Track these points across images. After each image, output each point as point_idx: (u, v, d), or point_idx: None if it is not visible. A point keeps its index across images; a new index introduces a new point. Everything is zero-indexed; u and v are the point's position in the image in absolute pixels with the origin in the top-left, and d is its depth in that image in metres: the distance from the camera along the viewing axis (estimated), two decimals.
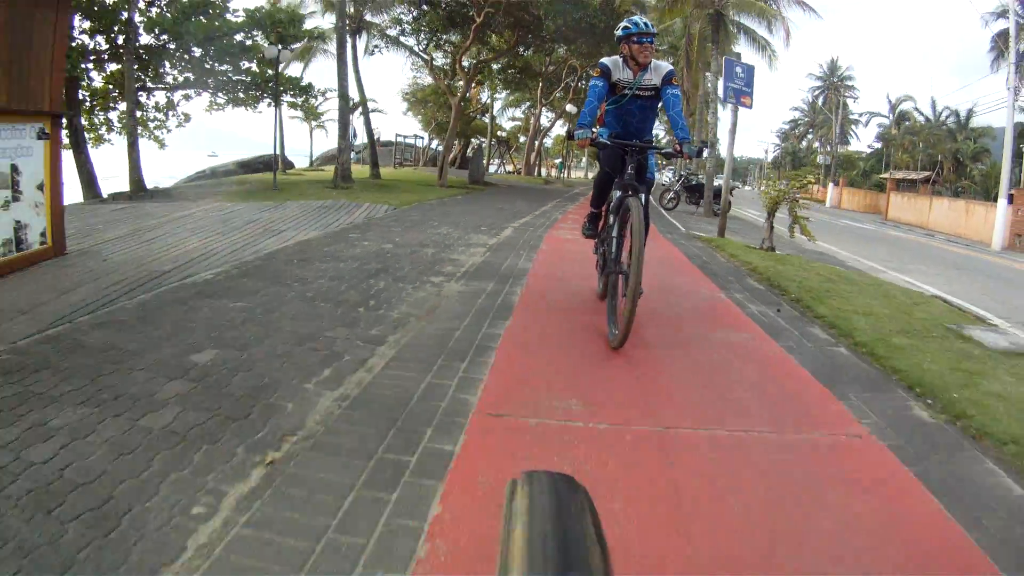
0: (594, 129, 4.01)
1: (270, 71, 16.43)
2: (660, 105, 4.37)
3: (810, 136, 72.49)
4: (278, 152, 21.18)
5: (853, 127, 67.27)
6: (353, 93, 18.86)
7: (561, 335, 4.03)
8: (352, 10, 19.44)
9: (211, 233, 7.82)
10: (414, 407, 2.79)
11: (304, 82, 18.23)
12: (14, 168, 6.02)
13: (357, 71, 19.81)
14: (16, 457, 2.25)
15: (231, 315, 4.09)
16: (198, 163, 32.40)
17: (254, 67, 16.66)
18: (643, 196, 3.97)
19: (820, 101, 68.47)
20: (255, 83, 16.94)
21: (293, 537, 1.85)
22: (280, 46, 15.65)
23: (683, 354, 3.84)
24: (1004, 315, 7.80)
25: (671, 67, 4.31)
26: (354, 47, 19.81)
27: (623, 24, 4.24)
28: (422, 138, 40.95)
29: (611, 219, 4.07)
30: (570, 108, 28.37)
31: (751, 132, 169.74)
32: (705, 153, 21.82)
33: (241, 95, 17.06)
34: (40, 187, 6.37)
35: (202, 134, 15.67)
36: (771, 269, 7.09)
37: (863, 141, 67.85)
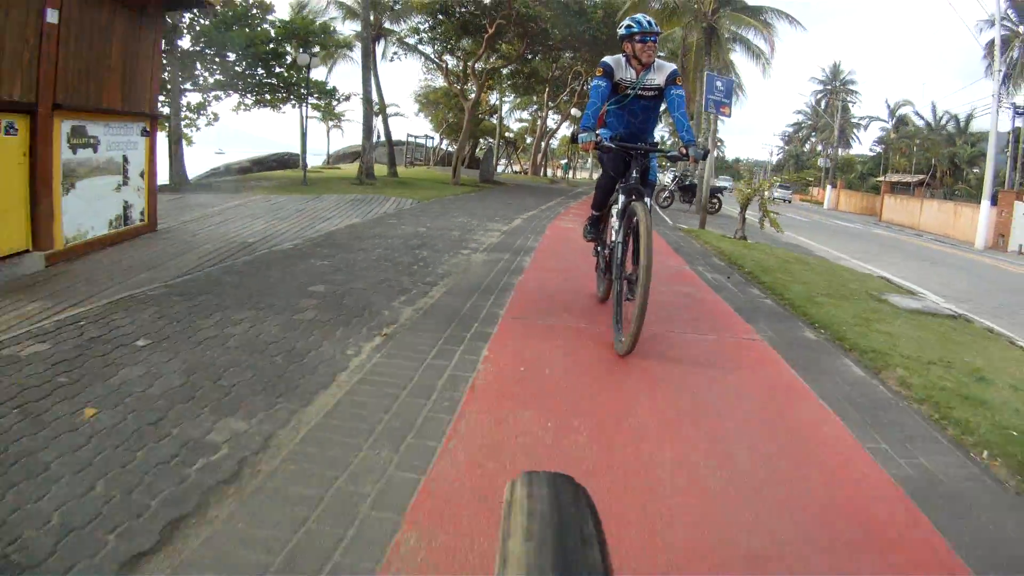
0: (598, 132, 4.04)
1: (296, 75, 17.96)
2: (663, 107, 4.37)
3: (813, 139, 73.33)
4: (299, 151, 22.73)
5: (855, 131, 68.21)
6: (373, 96, 20.39)
7: (559, 283, 5.55)
8: (372, 18, 20.93)
9: (271, 218, 9.32)
10: (464, 313, 4.31)
11: (329, 86, 19.77)
12: (124, 159, 7.54)
13: (376, 76, 21.34)
14: (220, 332, 3.72)
15: (321, 268, 5.58)
16: (206, 159, 32.68)
17: (283, 71, 18.18)
18: (648, 200, 3.95)
19: (822, 105, 69.43)
20: (283, 86, 18.44)
21: (406, 361, 3.34)
22: (311, 53, 17.16)
23: None
24: (938, 292, 9.24)
25: (675, 67, 4.24)
26: (374, 53, 21.33)
27: (625, 23, 4.16)
28: (432, 138, 42.55)
29: (616, 223, 4.01)
30: (575, 112, 29.83)
31: (755, 135, 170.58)
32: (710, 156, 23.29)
33: (268, 97, 18.58)
34: (141, 174, 7.90)
35: (207, 131, 16.94)
36: (736, 252, 8.57)
37: (865, 145, 68.87)
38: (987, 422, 3.11)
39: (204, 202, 11.59)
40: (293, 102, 19.15)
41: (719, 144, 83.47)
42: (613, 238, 4.16)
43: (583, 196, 20.37)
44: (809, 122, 71.28)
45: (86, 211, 6.61)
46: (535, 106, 40.14)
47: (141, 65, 7.77)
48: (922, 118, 56.08)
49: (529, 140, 46.94)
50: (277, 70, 18.11)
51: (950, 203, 31.45)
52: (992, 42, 38.97)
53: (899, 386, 3.61)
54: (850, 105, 66.84)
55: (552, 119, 39.74)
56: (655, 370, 3.54)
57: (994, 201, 25.15)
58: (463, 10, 20.00)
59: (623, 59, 4.17)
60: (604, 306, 4.75)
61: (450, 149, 43.57)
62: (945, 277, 11.31)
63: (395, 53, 23.67)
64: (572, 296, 5.10)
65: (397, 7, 22.02)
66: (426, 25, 21.73)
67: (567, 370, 3.38)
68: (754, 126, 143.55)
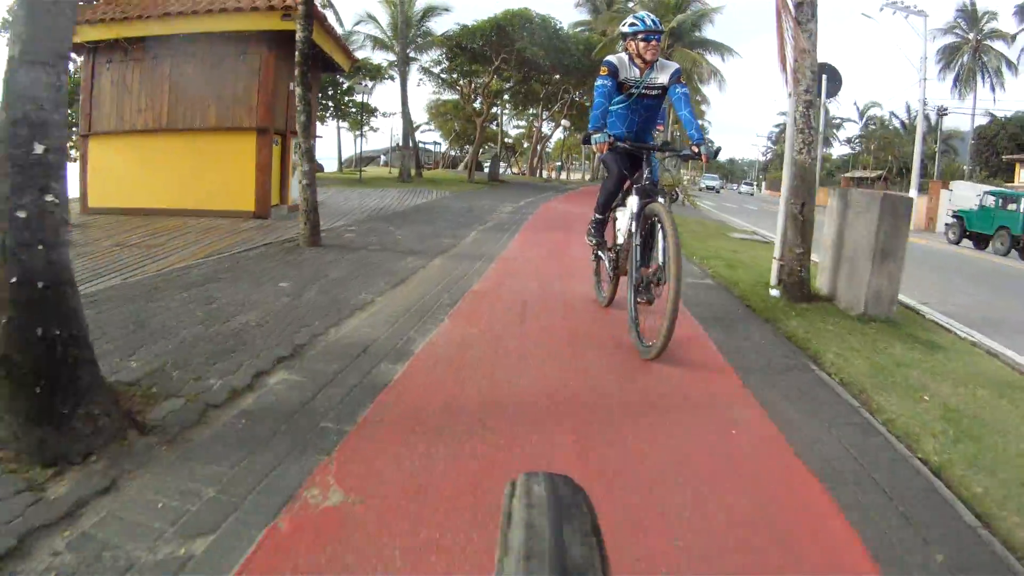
0: (610, 133, 3.92)
1: (347, 97, 23.57)
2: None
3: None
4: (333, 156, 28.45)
5: (834, 131, 73.23)
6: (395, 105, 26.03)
7: (548, 223, 11.15)
8: (399, 49, 26.45)
9: (371, 200, 14.80)
10: (506, 227, 9.89)
11: (371, 105, 25.46)
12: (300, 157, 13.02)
13: (405, 96, 26.95)
14: (403, 231, 9.19)
15: (420, 222, 11.08)
16: None
17: (336, 95, 23.81)
18: (663, 200, 3.80)
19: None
20: (332, 105, 24.03)
21: (487, 236, 8.90)
22: (363, 84, 22.82)
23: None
24: None
25: (678, 65, 4.19)
26: (403, 74, 26.92)
27: (629, 21, 4.09)
28: (439, 144, 48.29)
29: (630, 225, 3.93)
30: (565, 123, 35.47)
31: (745, 135, 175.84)
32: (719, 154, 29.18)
33: (319, 114, 24.14)
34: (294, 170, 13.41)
35: None
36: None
37: (846, 145, 74.14)
38: (721, 264, 8.63)
39: None
40: (331, 116, 24.70)
41: (711, 143, 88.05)
42: (620, 240, 4.18)
43: (569, 191, 26.05)
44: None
45: (295, 187, 12.14)
46: (532, 115, 45.64)
47: (281, 99, 13.27)
48: (897, 117, 60.97)
49: (526, 145, 52.51)
50: (330, 92, 23.62)
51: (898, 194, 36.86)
52: (943, 47, 44.85)
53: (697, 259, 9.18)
54: (832, 107, 71.90)
55: (547, 126, 45.32)
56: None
57: (925, 190, 30.59)
58: (474, 46, 25.58)
59: (626, 58, 4.10)
60: (565, 217, 10.32)
61: (454, 153, 49.35)
62: (955, 285, 16.80)
63: (420, 79, 29.30)
64: (552, 240, 10.69)
65: (419, 40, 27.55)
66: (444, 57, 27.34)
67: (551, 252, 8.91)
68: (744, 125, 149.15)
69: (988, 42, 42.41)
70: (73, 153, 13.95)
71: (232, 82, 10.15)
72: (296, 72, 7.30)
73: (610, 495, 2.22)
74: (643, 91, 4.14)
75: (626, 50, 4.15)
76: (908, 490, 2.40)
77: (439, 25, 22.79)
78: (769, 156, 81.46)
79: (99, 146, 10.74)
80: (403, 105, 23.67)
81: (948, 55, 45.67)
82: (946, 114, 43.43)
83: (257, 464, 2.29)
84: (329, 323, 4.09)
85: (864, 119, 64.58)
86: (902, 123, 59.62)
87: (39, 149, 2.57)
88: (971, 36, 44.03)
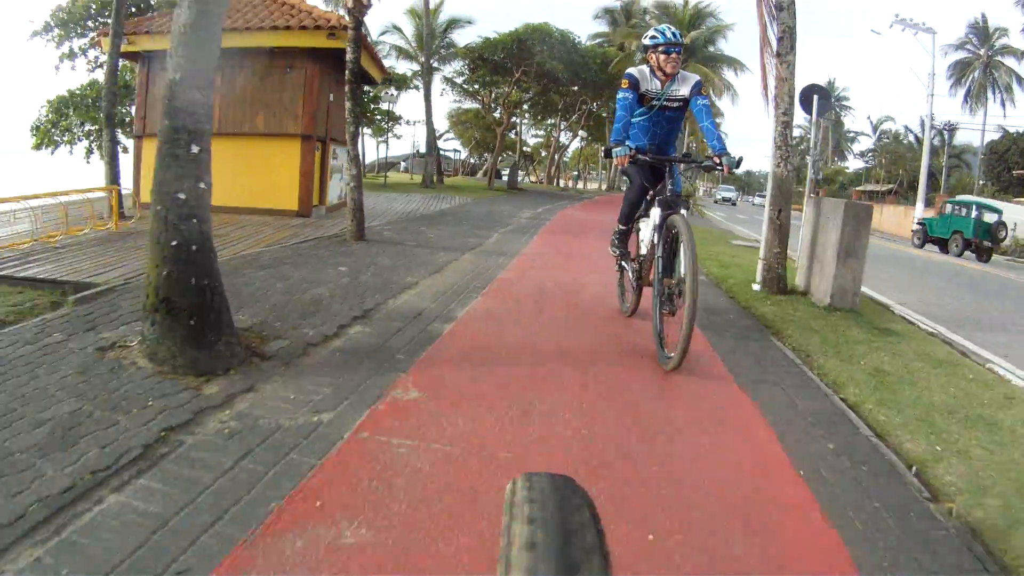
0: (632, 145, 3.96)
1: (373, 106, 24.71)
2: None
3: (812, 152, 78.03)
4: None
5: (849, 144, 73.56)
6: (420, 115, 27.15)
7: (564, 228, 12.10)
8: (423, 59, 27.58)
9: (400, 204, 15.84)
10: (526, 230, 10.86)
11: (395, 113, 26.60)
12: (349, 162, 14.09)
13: (428, 99, 28.05)
14: (432, 231, 10.18)
15: (447, 223, 12.09)
16: None
17: (363, 103, 24.92)
18: (685, 212, 3.85)
19: (810, 120, 74.07)
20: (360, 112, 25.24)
21: (510, 236, 9.86)
22: (390, 94, 23.97)
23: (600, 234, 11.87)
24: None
25: (699, 77, 4.23)
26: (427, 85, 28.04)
27: (650, 33, 4.14)
28: (459, 151, 49.52)
29: (653, 236, 3.97)
30: (582, 133, 36.49)
31: (758, 146, 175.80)
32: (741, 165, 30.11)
33: None
34: (332, 174, 14.45)
35: None
36: None
37: (860, 158, 74.41)
38: (715, 265, 9.55)
39: None
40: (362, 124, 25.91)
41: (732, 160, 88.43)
42: (644, 251, 4.23)
43: (585, 200, 26.99)
44: (807, 135, 76.42)
45: (333, 190, 13.18)
46: (550, 125, 46.67)
47: (323, 111, 14.36)
48: (911, 132, 61.23)
49: (544, 154, 53.55)
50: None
51: (902, 207, 37.53)
52: (955, 63, 45.24)
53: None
54: (843, 119, 72.24)
55: (565, 136, 46.35)
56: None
57: (931, 203, 31.24)
58: (495, 58, 26.67)
59: (647, 70, 4.13)
60: (575, 210, 11.30)
61: (473, 161, 50.55)
62: (926, 286, 17.60)
63: (443, 89, 30.44)
64: (569, 228, 11.65)
65: (443, 52, 28.68)
66: (466, 68, 28.46)
67: (566, 252, 9.88)
68: (758, 136, 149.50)
69: (999, 58, 42.67)
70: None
71: (279, 92, 11.23)
72: (346, 89, 8.31)
73: (599, 401, 3.18)
74: (664, 103, 4.17)
75: (647, 62, 4.19)
76: (823, 416, 3.30)
77: (462, 37, 23.85)
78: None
79: (152, 147, 11.79)
80: (427, 114, 24.78)
81: (959, 71, 45.90)
82: (954, 129, 43.96)
83: (354, 377, 3.27)
84: (387, 296, 5.08)
85: (877, 133, 65.02)
86: (916, 137, 59.68)
87: (195, 149, 3.59)
88: (982, 52, 44.30)
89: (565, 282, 6.48)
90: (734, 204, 50.20)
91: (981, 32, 44.32)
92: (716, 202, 48.35)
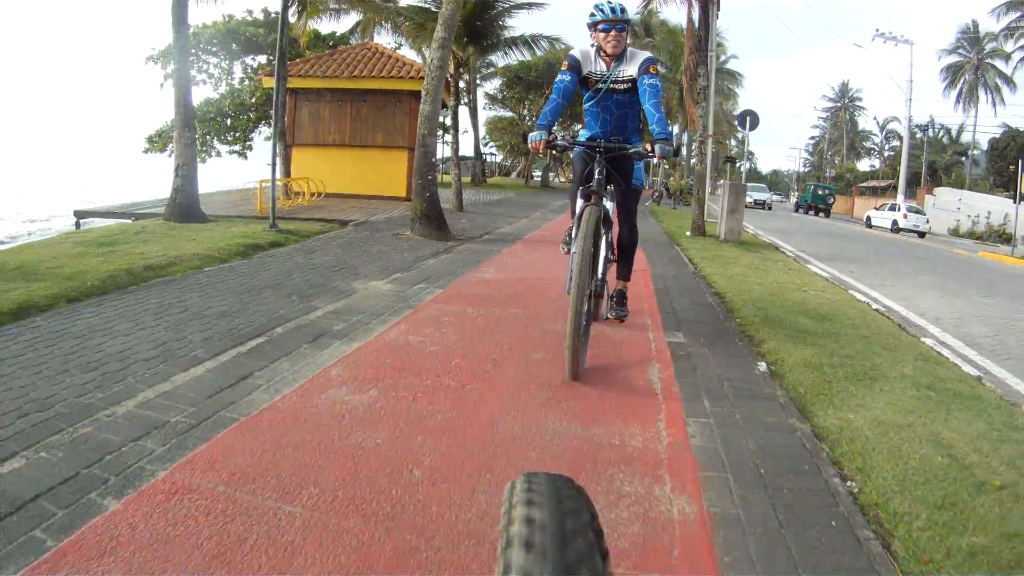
0: (561, 133, 3.68)
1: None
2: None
3: (828, 152, 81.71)
4: None
5: (864, 143, 77.00)
6: (465, 124, 32.68)
7: None
8: (469, 78, 33.08)
9: (465, 196, 21.35)
10: (562, 211, 16.29)
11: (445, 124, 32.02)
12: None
13: (475, 114, 33.54)
14: (501, 210, 15.58)
15: (504, 206, 17.52)
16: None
17: None
18: (611, 205, 3.62)
19: (826, 120, 77.79)
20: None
21: (549, 216, 15.28)
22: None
23: None
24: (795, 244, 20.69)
25: (649, 54, 3.74)
26: (474, 102, 33.52)
27: (590, 10, 3.70)
28: (495, 155, 55.19)
29: (572, 231, 3.61)
30: None
31: (778, 146, 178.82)
32: (683, 152, 35.40)
33: None
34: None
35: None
36: (659, 211, 20.35)
37: (867, 157, 77.82)
38: (672, 226, 14.86)
39: None
40: None
41: (750, 156, 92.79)
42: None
43: None
44: (826, 135, 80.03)
45: None
46: (577, 130, 51.96)
47: (405, 125, 19.89)
48: (921, 130, 64.76)
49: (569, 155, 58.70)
50: None
51: (889, 200, 42.07)
52: (948, 67, 49.17)
53: (661, 224, 15.45)
54: (861, 120, 75.71)
55: None
56: None
57: (914, 195, 35.98)
58: (529, 77, 32.11)
59: (592, 51, 3.75)
60: None
61: (508, 163, 56.14)
62: (822, 241, 22.59)
63: (485, 103, 36.06)
64: None
65: (484, 71, 34.18)
66: (504, 85, 34.02)
67: None
68: (778, 137, 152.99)
69: (989, 61, 46.11)
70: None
71: (392, 118, 16.78)
72: (451, 118, 13.77)
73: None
74: (611, 86, 3.76)
75: (592, 42, 3.77)
76: (690, 285, 8.62)
77: (500, 59, 28.66)
78: (808, 168, 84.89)
79: (299, 153, 17.38)
80: (474, 125, 30.31)
81: (953, 74, 49.39)
82: (925, 129, 48.16)
83: (498, 245, 8.76)
84: (494, 227, 10.57)
85: (884, 132, 68.82)
86: (926, 136, 62.70)
87: (432, 160, 9.11)
88: (972, 56, 47.78)
89: None
90: (768, 208, 38.06)
91: (971, 37, 47.97)
92: (744, 206, 42.60)
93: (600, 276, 3.63)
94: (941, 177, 57.17)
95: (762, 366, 3.84)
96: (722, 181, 15.55)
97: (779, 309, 5.70)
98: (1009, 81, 46.59)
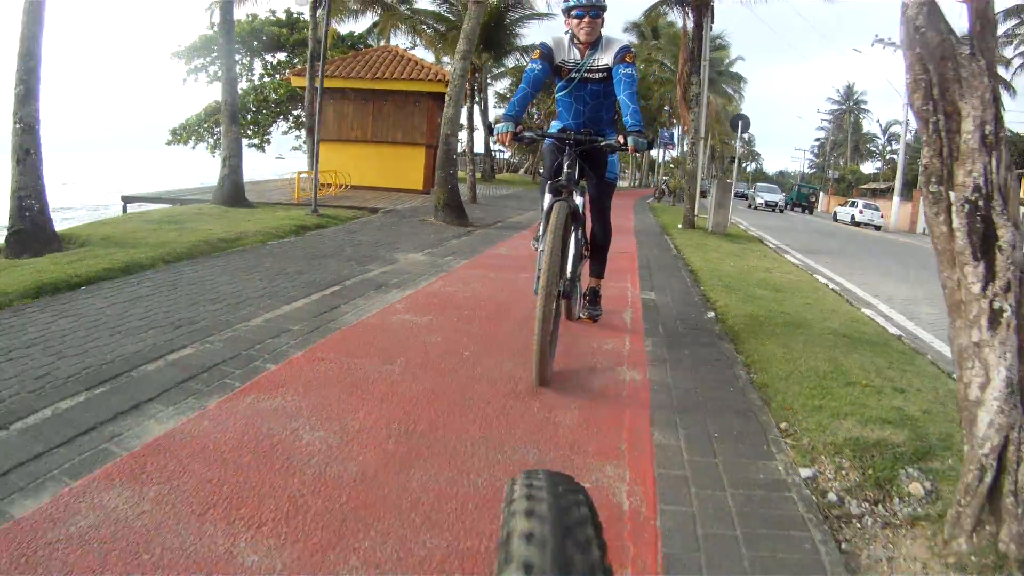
0: (523, 124, 3.41)
1: None
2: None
3: (833, 154, 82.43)
4: None
5: (868, 145, 77.83)
6: (476, 122, 33.87)
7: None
8: (480, 79, 34.36)
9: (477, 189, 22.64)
10: None
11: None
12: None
13: (485, 114, 34.79)
14: (513, 203, 16.83)
15: (514, 199, 18.78)
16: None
17: None
18: (581, 199, 3.50)
19: (831, 122, 78.54)
20: None
21: None
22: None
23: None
24: (780, 239, 21.88)
25: (625, 43, 3.59)
26: (485, 102, 34.80)
27: None
28: (503, 151, 56.51)
29: (540, 228, 3.41)
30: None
31: (784, 147, 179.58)
32: (664, 140, 36.74)
33: None
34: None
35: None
36: (658, 208, 21.58)
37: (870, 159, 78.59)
38: (666, 219, 16.11)
39: None
40: None
41: (756, 157, 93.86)
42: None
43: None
44: (830, 137, 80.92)
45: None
46: None
47: (424, 125, 21.13)
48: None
49: None
50: None
51: (886, 201, 43.15)
52: None
53: (655, 217, 16.68)
54: (866, 123, 76.49)
55: None
56: None
57: (910, 197, 37.07)
58: None
59: (566, 38, 3.60)
60: None
61: (515, 160, 57.40)
62: (806, 236, 23.76)
63: (496, 103, 37.34)
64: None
65: (493, 71, 35.44)
66: (513, 85, 35.30)
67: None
68: (790, 137, 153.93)
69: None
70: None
71: (410, 117, 18.04)
72: (466, 118, 15.02)
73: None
74: (585, 75, 3.57)
75: (566, 29, 3.58)
76: (669, 264, 9.87)
77: (510, 61, 29.98)
78: (813, 169, 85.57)
79: (325, 148, 18.57)
80: (484, 124, 31.56)
81: None
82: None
83: (509, 231, 10.00)
84: (505, 217, 11.81)
85: (887, 136, 69.68)
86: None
87: (455, 157, 10.38)
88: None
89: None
90: (781, 211, 36.44)
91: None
92: (754, 208, 35.96)
93: (570, 275, 3.39)
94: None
95: (711, 314, 5.10)
96: (728, 180, 16.81)
97: (741, 282, 6.92)
98: (1009, 87, 47.22)
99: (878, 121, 75.71)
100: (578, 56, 3.59)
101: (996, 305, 2.09)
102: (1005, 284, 2.09)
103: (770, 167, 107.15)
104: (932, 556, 2.08)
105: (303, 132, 31.52)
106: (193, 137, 28.78)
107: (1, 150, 7.79)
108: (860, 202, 33.90)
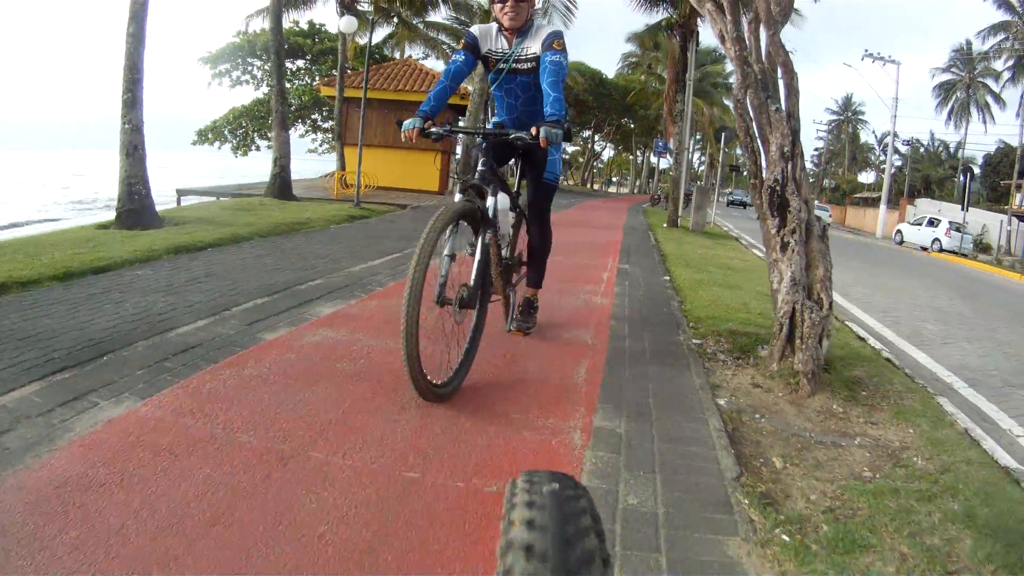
0: (437, 120, 3.19)
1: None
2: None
3: (833, 163, 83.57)
4: None
5: (866, 155, 79.30)
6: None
7: (578, 210, 20.76)
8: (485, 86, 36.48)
9: None
10: (562, 208, 19.57)
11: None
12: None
13: (486, 120, 36.84)
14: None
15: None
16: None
17: None
18: (495, 199, 3.11)
19: (829, 134, 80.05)
20: None
21: (560, 209, 18.57)
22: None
23: (591, 207, 20.45)
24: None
25: (557, 29, 3.33)
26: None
27: None
28: None
29: (447, 229, 2.84)
30: (609, 145, 45.11)
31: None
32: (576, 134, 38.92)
33: None
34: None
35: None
36: (651, 211, 23.62)
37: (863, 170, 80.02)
38: (654, 219, 18.08)
39: None
40: None
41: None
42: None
43: (603, 198, 35.62)
44: (827, 147, 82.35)
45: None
46: (584, 139, 55.22)
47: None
48: (922, 145, 66.66)
49: (580, 160, 62.25)
50: None
51: (877, 209, 45.21)
52: (940, 84, 51.29)
53: (644, 216, 18.66)
54: (860, 132, 78.00)
55: (599, 146, 54.98)
56: None
57: (896, 205, 39.09)
58: None
59: (494, 27, 3.39)
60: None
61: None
62: None
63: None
64: (583, 209, 20.31)
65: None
66: None
67: (581, 215, 18.53)
68: None
69: (981, 79, 47.77)
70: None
71: None
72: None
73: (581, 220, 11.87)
74: (513, 66, 3.33)
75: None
76: (646, 249, 11.81)
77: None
78: (812, 179, 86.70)
79: (350, 151, 20.63)
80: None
81: (945, 91, 51.12)
82: (908, 143, 50.82)
83: None
84: None
85: (882, 146, 71.30)
86: (925, 150, 64.29)
87: (472, 163, 12.37)
88: (964, 74, 49.53)
89: (582, 217, 15.03)
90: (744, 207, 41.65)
91: (964, 57, 50.01)
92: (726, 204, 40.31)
93: (473, 283, 2.96)
94: (934, 190, 59.35)
95: (666, 278, 7.07)
96: (728, 189, 18.60)
97: (700, 263, 8.88)
98: (999, 99, 48.38)
99: (874, 132, 76.94)
100: (506, 45, 3.37)
101: (786, 240, 4.03)
102: (791, 229, 4.03)
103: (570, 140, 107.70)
104: (757, 373, 4.00)
105: (318, 135, 33.72)
106: (219, 139, 30.86)
107: (101, 145, 9.73)
108: (817, 203, 35.52)
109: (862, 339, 5.40)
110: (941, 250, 25.64)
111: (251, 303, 4.40)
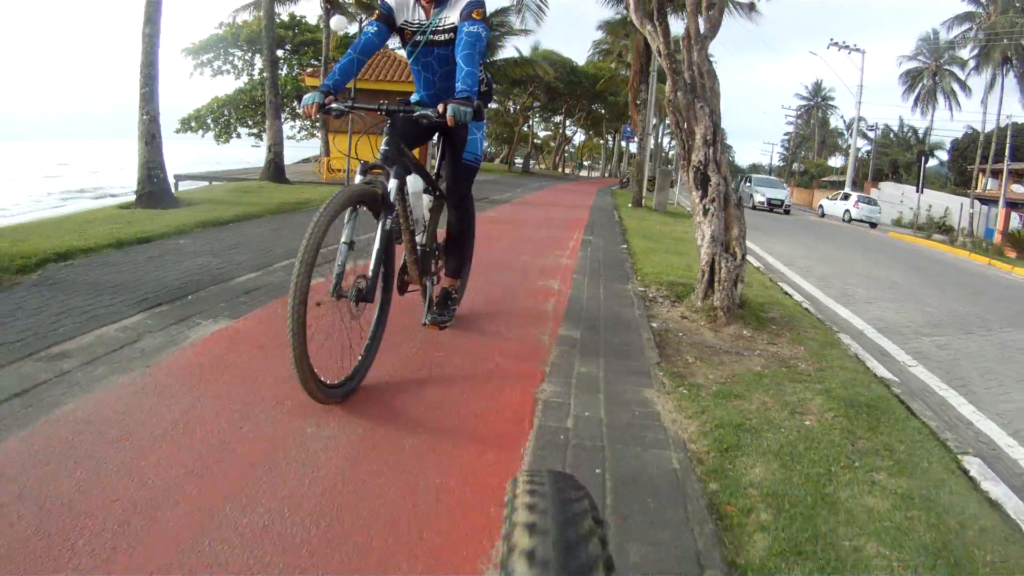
0: (336, 95, 2.94)
1: None
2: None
3: (803, 149, 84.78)
4: None
5: (838, 140, 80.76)
6: None
7: (550, 192, 21.96)
8: None
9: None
10: (539, 188, 20.71)
11: None
12: None
13: None
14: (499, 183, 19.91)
15: (496, 185, 21.83)
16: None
17: None
18: (399, 182, 2.88)
19: (799, 119, 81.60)
20: None
21: (530, 192, 19.69)
22: None
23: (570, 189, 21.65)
24: None
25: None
26: None
27: None
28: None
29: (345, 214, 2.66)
30: (580, 130, 46.22)
31: (755, 141, 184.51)
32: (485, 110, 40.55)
33: None
34: None
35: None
36: (619, 193, 24.87)
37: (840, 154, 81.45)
38: (620, 200, 19.35)
39: None
40: None
41: (728, 150, 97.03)
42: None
43: (574, 181, 36.88)
44: (797, 132, 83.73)
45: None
46: (556, 123, 56.32)
47: None
48: (892, 130, 67.60)
49: (552, 145, 63.36)
50: None
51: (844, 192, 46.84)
52: (907, 72, 52.55)
53: (612, 198, 19.92)
54: (830, 118, 79.51)
55: (570, 131, 56.10)
56: None
57: (861, 188, 40.72)
58: (514, 75, 36.53)
59: None
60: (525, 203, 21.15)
61: (492, 150, 60.34)
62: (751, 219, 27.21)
63: None
64: (555, 191, 21.51)
65: None
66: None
67: (551, 197, 19.73)
68: (761, 130, 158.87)
69: (947, 67, 48.64)
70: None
71: None
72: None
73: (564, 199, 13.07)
74: (431, 38, 3.13)
75: None
76: (609, 224, 13.01)
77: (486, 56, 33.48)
78: (783, 163, 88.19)
79: (333, 138, 21.53)
80: None
81: (912, 78, 52.19)
82: (873, 128, 52.52)
83: (494, 206, 13.10)
84: (490, 196, 14.87)
85: (849, 131, 73.05)
86: (895, 135, 65.11)
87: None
88: (931, 62, 50.66)
89: (553, 199, 16.20)
90: (787, 212, 29.64)
91: (932, 45, 51.13)
92: (752, 207, 27.41)
93: (371, 273, 2.77)
94: (902, 174, 60.20)
95: (624, 246, 8.28)
96: (666, 170, 19.90)
97: (656, 235, 10.12)
98: (965, 86, 49.44)
99: (843, 117, 78.30)
100: (423, 16, 3.16)
101: (707, 207, 5.22)
102: (711, 199, 5.22)
103: (742, 160, 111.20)
104: (686, 309, 5.20)
105: (296, 123, 34.39)
106: (202, 128, 31.38)
107: (116, 134, 10.67)
108: (784, 186, 36.18)
109: (788, 294, 6.64)
110: (851, 220, 29.73)
111: (287, 261, 5.45)
